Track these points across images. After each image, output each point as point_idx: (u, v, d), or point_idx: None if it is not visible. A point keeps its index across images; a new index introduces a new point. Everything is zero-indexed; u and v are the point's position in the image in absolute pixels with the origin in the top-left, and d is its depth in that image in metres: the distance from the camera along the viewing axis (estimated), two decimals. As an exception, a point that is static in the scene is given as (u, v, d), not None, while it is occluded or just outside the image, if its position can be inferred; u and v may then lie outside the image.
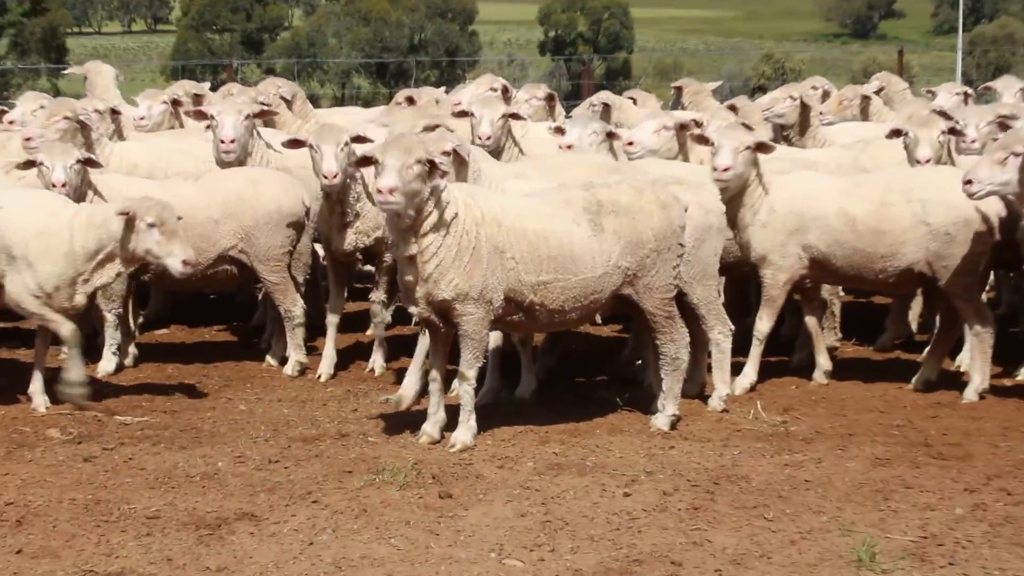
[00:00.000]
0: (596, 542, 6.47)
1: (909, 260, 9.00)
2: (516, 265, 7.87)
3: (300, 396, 9.36)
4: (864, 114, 13.32)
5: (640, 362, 9.43)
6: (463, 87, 13.58)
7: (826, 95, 13.55)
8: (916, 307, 10.97)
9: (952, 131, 9.86)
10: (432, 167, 7.60)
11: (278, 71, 52.06)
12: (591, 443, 8.05)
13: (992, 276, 10.81)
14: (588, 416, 8.59)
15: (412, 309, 8.01)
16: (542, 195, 8.29)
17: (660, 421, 8.37)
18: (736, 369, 9.20)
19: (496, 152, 10.25)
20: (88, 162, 9.55)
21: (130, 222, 8.45)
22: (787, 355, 10.18)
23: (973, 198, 8.52)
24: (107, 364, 9.83)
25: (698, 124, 10.65)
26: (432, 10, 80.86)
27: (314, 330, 10.45)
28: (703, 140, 9.22)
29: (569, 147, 10.32)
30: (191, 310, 12.12)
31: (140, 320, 11.03)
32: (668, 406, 8.37)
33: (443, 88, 14.54)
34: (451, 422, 8.06)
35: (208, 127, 10.55)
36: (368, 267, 10.63)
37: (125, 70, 14.98)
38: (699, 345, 8.80)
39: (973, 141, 10.10)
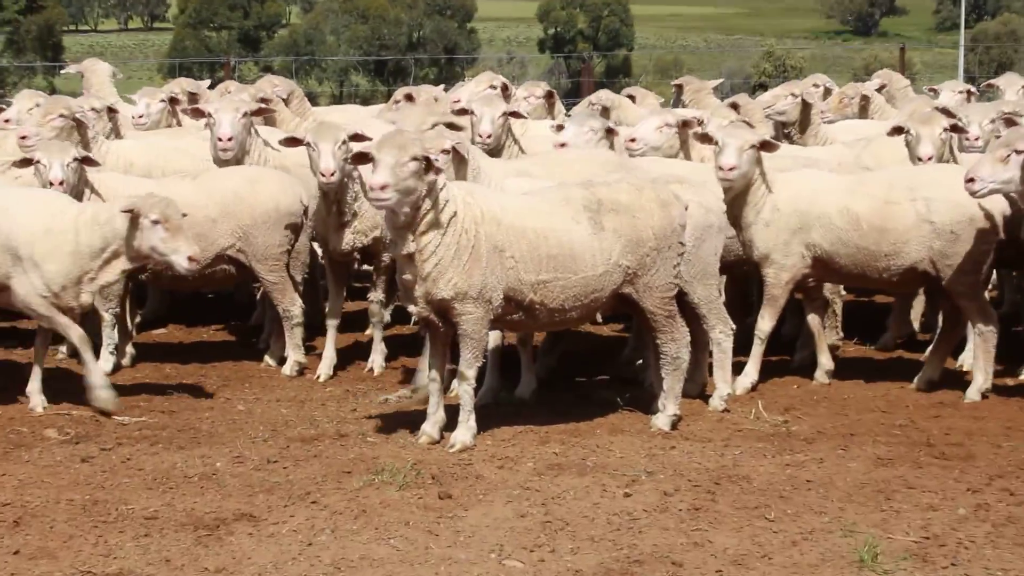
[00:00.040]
0: (596, 543, 6.44)
1: (913, 259, 8.96)
2: (516, 264, 7.84)
3: (299, 396, 9.33)
4: (863, 112, 13.30)
5: (641, 362, 9.40)
6: (462, 85, 13.54)
7: (827, 93, 13.52)
8: (918, 306, 10.94)
9: (954, 128, 9.83)
10: (428, 164, 7.56)
11: (276, 69, 52.10)
12: (591, 443, 8.02)
13: (995, 275, 10.78)
14: (588, 416, 8.56)
15: (411, 308, 7.98)
16: (541, 193, 8.26)
17: (661, 421, 8.34)
18: (737, 369, 9.17)
19: (496, 150, 10.22)
20: (85, 160, 9.52)
21: (134, 219, 8.42)
22: (789, 354, 10.15)
23: (975, 196, 8.49)
24: (104, 364, 9.78)
25: (699, 122, 10.62)
26: (431, 7, 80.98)
27: (313, 330, 10.43)
28: (707, 139, 9.18)
29: (563, 145, 10.29)
30: (189, 310, 12.09)
31: (138, 320, 10.99)
32: (669, 406, 8.34)
33: (442, 86, 14.53)
34: (451, 422, 8.03)
35: (207, 125, 10.50)
36: (367, 267, 10.58)
37: (122, 68, 14.93)
38: (700, 345, 8.77)
39: (976, 139, 10.08)
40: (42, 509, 6.90)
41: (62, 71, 16.84)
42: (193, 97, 13.14)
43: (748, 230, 9.13)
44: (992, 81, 14.07)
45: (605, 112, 12.49)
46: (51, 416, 8.70)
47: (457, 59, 69.84)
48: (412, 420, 8.30)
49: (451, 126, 9.74)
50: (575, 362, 10.14)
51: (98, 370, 8.81)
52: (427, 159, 7.56)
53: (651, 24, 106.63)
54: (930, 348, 9.70)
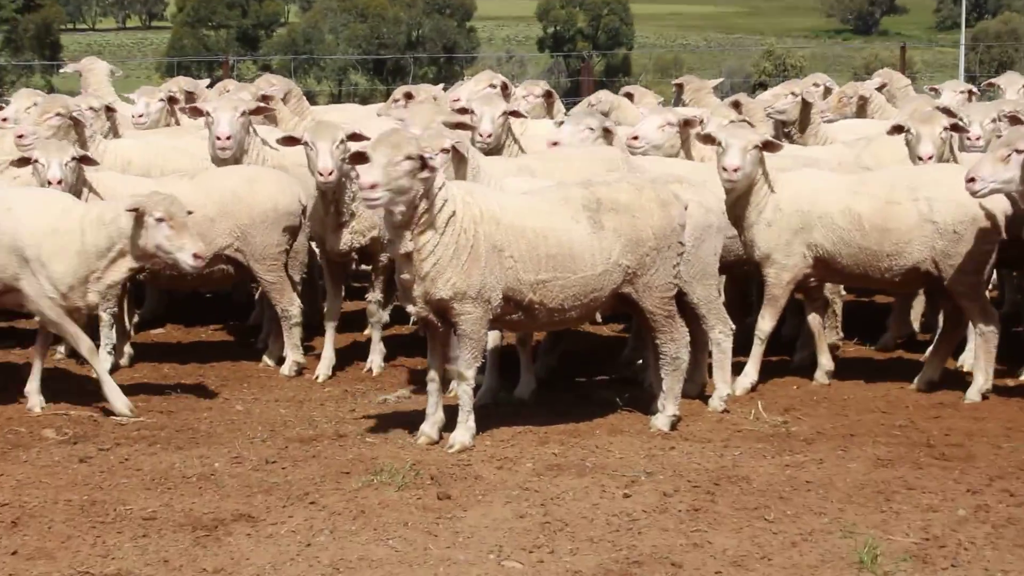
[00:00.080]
0: (596, 543, 6.43)
1: (915, 259, 8.95)
2: (515, 264, 7.82)
3: (297, 396, 9.32)
4: (861, 112, 13.29)
5: (640, 362, 9.38)
6: (462, 84, 13.52)
7: (827, 92, 13.50)
8: (918, 306, 10.93)
9: (954, 128, 9.81)
10: (423, 163, 7.53)
11: (274, 68, 51.98)
12: (591, 444, 8.00)
13: (995, 275, 10.76)
14: (588, 416, 8.55)
15: (410, 308, 7.96)
16: (541, 193, 8.24)
17: (660, 421, 8.32)
18: (737, 369, 9.15)
19: (496, 150, 10.22)
20: (84, 159, 9.50)
21: (139, 218, 8.40)
22: (788, 355, 10.13)
23: (976, 196, 8.47)
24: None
25: (700, 121, 10.60)
26: (430, 6, 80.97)
27: (311, 329, 10.40)
28: (709, 140, 9.16)
29: (555, 143, 10.28)
30: (187, 309, 12.07)
31: (136, 320, 10.98)
32: (668, 406, 8.32)
33: (441, 85, 14.50)
34: (450, 422, 8.01)
35: (207, 124, 10.48)
36: (365, 267, 10.56)
37: (120, 67, 14.90)
38: (699, 345, 8.75)
39: (978, 138, 10.06)
40: (40, 509, 6.89)
41: (60, 70, 16.81)
42: (191, 96, 13.12)
43: (750, 230, 9.11)
44: (993, 80, 14.06)
45: (606, 115, 12.46)
46: (49, 416, 8.69)
47: (456, 58, 69.79)
48: (411, 420, 8.29)
49: (460, 126, 9.73)
50: (574, 362, 10.12)
51: (110, 381, 8.77)
52: (422, 158, 7.53)
53: (651, 23, 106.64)
54: (931, 349, 9.68)
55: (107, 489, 7.22)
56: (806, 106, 11.78)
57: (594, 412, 8.64)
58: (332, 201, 9.46)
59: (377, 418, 8.58)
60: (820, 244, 9.06)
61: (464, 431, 7.92)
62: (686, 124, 10.54)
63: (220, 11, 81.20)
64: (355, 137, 9.14)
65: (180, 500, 7.04)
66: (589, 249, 7.95)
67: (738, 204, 9.05)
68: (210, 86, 14.06)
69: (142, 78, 47.15)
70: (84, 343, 8.73)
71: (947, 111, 10.17)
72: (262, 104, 10.89)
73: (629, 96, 13.46)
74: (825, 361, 9.50)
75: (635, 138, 10.39)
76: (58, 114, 10.38)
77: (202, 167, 10.25)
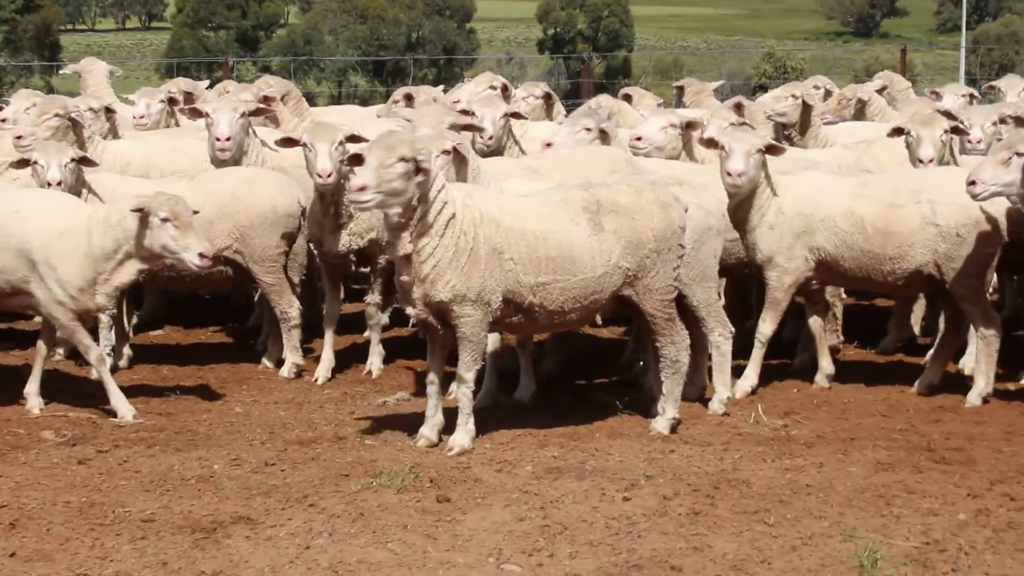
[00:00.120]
0: (595, 547, 6.41)
1: (918, 262, 8.93)
2: (515, 266, 7.80)
3: (297, 398, 9.30)
4: (860, 115, 13.28)
5: (640, 364, 9.37)
6: (462, 86, 13.50)
7: (828, 94, 13.49)
8: (919, 310, 10.91)
9: (955, 130, 9.80)
10: (417, 166, 7.50)
11: (274, 69, 52.07)
12: (590, 447, 7.99)
13: (995, 278, 10.75)
14: (587, 419, 8.53)
15: (409, 310, 7.95)
16: (541, 195, 8.22)
17: (660, 424, 8.31)
18: (737, 372, 9.14)
19: (497, 151, 10.20)
20: (83, 161, 9.48)
21: (144, 218, 8.37)
22: (788, 358, 10.11)
23: (976, 199, 8.45)
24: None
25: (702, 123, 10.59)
26: (430, 7, 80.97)
27: (310, 331, 10.38)
28: (712, 144, 9.14)
29: (549, 145, 10.27)
30: (186, 311, 12.04)
31: (135, 321, 10.96)
32: (668, 409, 8.31)
33: (441, 87, 14.48)
34: (449, 425, 8.00)
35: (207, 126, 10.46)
36: (364, 269, 10.55)
37: (119, 68, 14.87)
38: (699, 348, 8.74)
39: (979, 141, 10.04)
40: (38, 511, 6.87)
41: (59, 71, 16.79)
42: (189, 97, 13.10)
43: (752, 233, 9.10)
44: (993, 83, 14.04)
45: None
46: (48, 418, 8.67)
47: (456, 59, 69.82)
48: (410, 423, 8.27)
49: (469, 127, 9.73)
50: (574, 365, 10.10)
51: (116, 391, 8.74)
52: (416, 160, 7.50)
53: (651, 25, 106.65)
54: (931, 352, 9.66)
55: (106, 491, 7.20)
56: (806, 108, 11.77)
57: (594, 415, 8.63)
58: (331, 203, 9.44)
59: (376, 420, 8.56)
60: (822, 247, 9.05)
61: (463, 434, 7.91)
62: (688, 126, 10.52)
63: (220, 12, 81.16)
64: (354, 139, 9.13)
65: (179, 502, 7.02)
66: (589, 251, 7.93)
67: (741, 207, 9.04)
68: (210, 87, 14.04)
69: (141, 79, 47.15)
70: (94, 353, 8.71)
71: (948, 114, 10.16)
72: (262, 105, 10.87)
73: (627, 98, 13.44)
74: (825, 364, 9.48)
75: (638, 139, 10.37)
76: (56, 115, 10.36)
77: (201, 168, 10.24)
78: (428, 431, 8.00)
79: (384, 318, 10.31)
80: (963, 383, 9.34)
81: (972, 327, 9.19)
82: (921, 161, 9.59)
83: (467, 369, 7.88)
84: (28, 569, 6.15)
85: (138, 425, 8.53)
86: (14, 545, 6.41)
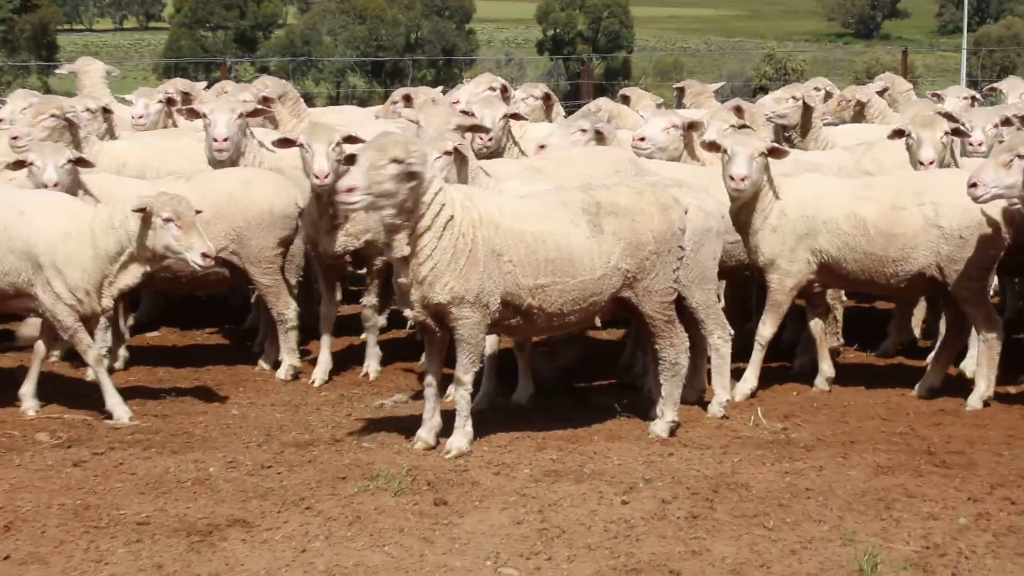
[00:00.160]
0: (593, 550, 6.39)
1: (921, 264, 8.90)
2: (513, 268, 7.77)
3: (293, 400, 9.28)
4: (859, 117, 13.25)
5: (639, 366, 9.35)
6: (461, 86, 13.47)
7: (828, 96, 13.47)
8: (919, 312, 10.89)
9: (956, 132, 9.77)
10: (408, 168, 7.45)
11: (272, 69, 51.96)
12: (589, 450, 7.96)
13: (996, 281, 10.72)
14: (586, 422, 8.50)
15: (407, 312, 7.91)
16: (540, 196, 8.19)
17: (659, 427, 8.28)
18: (736, 375, 9.11)
19: (497, 153, 10.17)
20: (79, 162, 9.44)
21: (147, 219, 8.34)
22: (788, 361, 10.09)
23: (978, 201, 8.43)
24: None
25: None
26: (429, 8, 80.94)
27: (307, 333, 10.35)
28: (714, 147, 9.11)
29: (542, 147, 10.25)
30: (182, 312, 12.01)
31: (131, 322, 10.93)
32: (667, 412, 8.28)
33: (440, 87, 14.44)
34: (447, 427, 7.96)
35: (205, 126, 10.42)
36: (360, 271, 10.52)
37: (116, 68, 14.84)
38: (699, 350, 8.71)
39: (980, 143, 10.02)
40: (33, 514, 6.85)
41: (56, 71, 16.75)
42: (187, 97, 13.06)
43: (755, 236, 9.07)
44: (995, 85, 14.03)
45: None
46: (43, 420, 8.65)
47: (455, 60, 69.82)
48: (408, 425, 8.24)
49: (475, 128, 9.70)
50: (573, 367, 10.07)
51: (113, 393, 8.70)
52: (407, 164, 7.45)
53: (651, 26, 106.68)
54: (932, 355, 9.64)
55: (101, 493, 7.18)
56: (807, 110, 11.74)
57: (592, 418, 8.60)
58: (327, 204, 9.38)
59: (373, 423, 8.54)
60: (825, 250, 9.02)
61: (461, 436, 7.88)
62: (690, 127, 10.49)
63: (218, 12, 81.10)
64: (351, 139, 9.09)
65: (174, 505, 6.99)
66: (588, 253, 7.90)
67: (743, 210, 9.01)
68: (207, 88, 14.00)
69: (139, 79, 47.04)
70: (93, 354, 8.67)
71: (948, 116, 10.13)
72: (260, 106, 10.83)
73: (625, 98, 13.41)
74: (826, 367, 9.46)
75: (642, 139, 10.34)
76: (53, 115, 10.32)
77: (198, 169, 10.20)
78: (425, 433, 7.97)
79: (381, 320, 10.27)
80: (964, 386, 9.31)
81: (974, 330, 9.16)
82: (921, 163, 9.57)
83: (465, 371, 7.85)
84: (22, 572, 6.14)
85: (134, 427, 8.50)
86: (8, 548, 6.39)
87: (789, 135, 11.75)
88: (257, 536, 6.55)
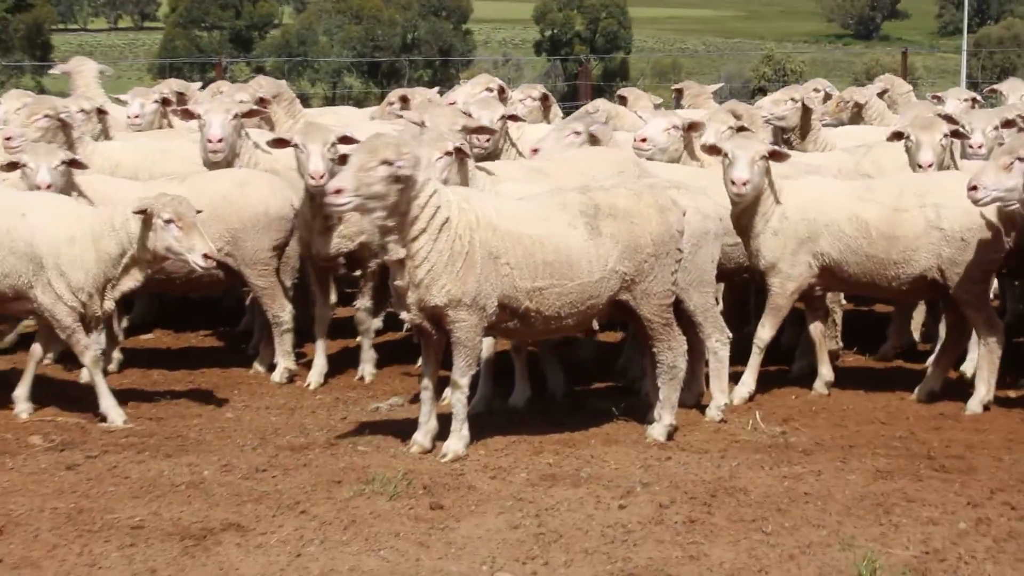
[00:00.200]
0: (590, 555, 6.37)
1: (922, 266, 8.87)
2: (511, 271, 7.73)
3: (288, 403, 9.25)
4: (857, 118, 13.23)
5: (637, 368, 9.32)
6: (458, 87, 13.43)
7: (828, 97, 13.45)
8: (919, 316, 10.87)
9: (955, 134, 9.74)
10: (397, 171, 7.40)
11: (268, 70, 51.94)
12: (586, 454, 7.93)
13: (996, 284, 10.70)
14: (583, 426, 8.48)
15: (404, 315, 7.87)
16: (538, 198, 8.16)
17: (656, 431, 8.24)
18: (735, 378, 9.08)
19: (494, 154, 10.13)
20: (73, 163, 9.40)
21: (147, 220, 8.30)
22: (787, 364, 10.06)
23: (978, 204, 8.40)
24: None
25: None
26: (425, 8, 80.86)
27: (303, 335, 10.30)
28: (715, 151, 9.07)
29: (535, 151, 10.21)
30: (177, 315, 11.98)
31: (125, 324, 10.90)
32: (665, 416, 8.24)
33: (437, 88, 14.40)
34: (443, 431, 7.92)
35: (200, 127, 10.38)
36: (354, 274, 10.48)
37: (111, 68, 14.78)
38: (697, 354, 8.68)
39: (980, 146, 9.99)
40: (26, 517, 6.82)
41: (50, 71, 16.71)
42: (182, 98, 13.01)
43: (756, 239, 9.04)
44: (995, 86, 13.99)
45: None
46: (36, 423, 8.61)
47: (452, 61, 69.76)
48: (403, 429, 8.21)
49: (480, 130, 9.66)
50: (570, 370, 10.03)
51: (108, 395, 8.66)
52: (399, 165, 7.39)
53: (649, 27, 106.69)
54: (932, 359, 9.61)
55: (94, 497, 7.15)
56: (806, 112, 11.71)
57: (589, 421, 8.57)
58: (322, 205, 9.33)
59: (369, 426, 8.51)
60: (827, 252, 8.99)
61: (457, 440, 7.84)
62: (690, 127, 10.46)
63: (213, 12, 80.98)
64: (346, 140, 9.04)
65: (168, 509, 6.96)
66: (586, 256, 7.86)
67: (745, 214, 8.98)
68: (203, 88, 13.96)
69: (134, 79, 46.96)
70: (89, 356, 8.63)
71: (948, 118, 10.10)
72: (255, 107, 10.79)
73: (623, 99, 13.38)
74: (825, 371, 9.42)
75: (643, 140, 10.30)
76: (46, 116, 10.29)
77: (193, 170, 10.15)
78: (421, 437, 7.93)
79: (377, 322, 10.23)
80: (964, 390, 9.28)
81: (974, 334, 9.12)
82: (920, 166, 9.56)
83: (462, 374, 7.81)
84: (15, 576, 6.10)
85: (127, 430, 8.47)
86: (1, 551, 6.36)
87: (788, 137, 11.72)
88: (252, 540, 6.52)
